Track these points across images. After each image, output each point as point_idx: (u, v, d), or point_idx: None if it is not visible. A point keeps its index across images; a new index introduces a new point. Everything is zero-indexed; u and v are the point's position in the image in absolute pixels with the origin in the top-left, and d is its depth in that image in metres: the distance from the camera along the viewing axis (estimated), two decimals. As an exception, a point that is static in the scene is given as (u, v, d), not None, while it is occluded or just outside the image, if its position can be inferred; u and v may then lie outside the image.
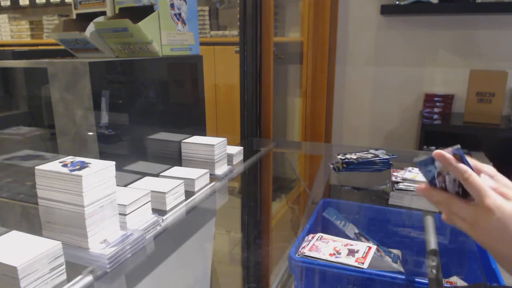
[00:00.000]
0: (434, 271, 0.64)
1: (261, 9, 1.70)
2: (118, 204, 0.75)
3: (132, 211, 0.79)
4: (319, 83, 2.32)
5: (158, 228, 0.84)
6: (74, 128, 0.84)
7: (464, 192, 0.57)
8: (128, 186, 0.93)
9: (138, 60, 0.98)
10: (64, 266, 0.63)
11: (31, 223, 0.86)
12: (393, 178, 1.09)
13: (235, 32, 2.67)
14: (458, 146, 0.56)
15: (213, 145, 1.11)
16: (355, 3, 2.34)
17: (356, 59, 2.42)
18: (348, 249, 0.77)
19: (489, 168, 0.59)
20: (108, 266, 0.67)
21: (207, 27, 2.74)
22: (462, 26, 2.16)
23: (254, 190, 1.37)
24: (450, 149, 0.57)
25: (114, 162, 0.72)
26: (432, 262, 0.65)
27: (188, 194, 1.01)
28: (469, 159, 0.57)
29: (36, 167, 0.69)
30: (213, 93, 2.57)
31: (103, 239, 0.71)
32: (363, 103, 2.46)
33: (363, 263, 0.73)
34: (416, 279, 0.71)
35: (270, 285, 0.87)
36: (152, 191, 0.88)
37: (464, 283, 0.82)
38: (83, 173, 0.66)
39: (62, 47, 1.10)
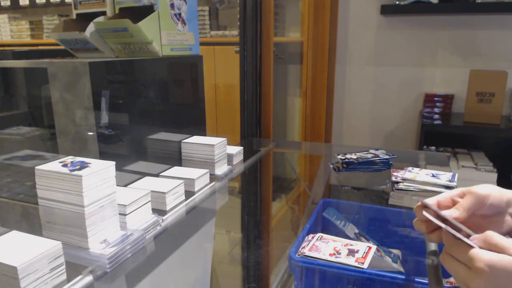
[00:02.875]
0: (434, 271, 0.63)
1: (261, 9, 1.69)
2: (118, 204, 0.75)
3: (132, 211, 0.79)
4: (319, 83, 2.32)
5: (158, 228, 0.84)
6: (74, 128, 0.84)
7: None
8: (128, 186, 0.93)
9: (138, 60, 0.98)
10: (64, 266, 0.63)
11: (31, 223, 0.86)
12: (393, 178, 1.09)
13: (235, 32, 2.67)
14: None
15: (213, 145, 1.11)
16: (355, 3, 2.34)
17: (356, 59, 2.42)
18: (348, 249, 0.77)
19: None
20: (108, 266, 0.67)
21: (207, 27, 2.74)
22: (462, 26, 2.16)
23: (254, 190, 1.37)
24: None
25: (114, 162, 0.72)
26: (432, 262, 0.65)
27: (188, 194, 1.01)
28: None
29: (36, 167, 0.69)
30: (213, 93, 2.57)
31: (103, 239, 0.71)
32: (363, 103, 2.46)
33: (363, 263, 0.73)
34: (416, 279, 0.71)
35: (270, 285, 0.87)
36: (152, 191, 0.88)
37: (464, 283, 0.82)
38: (83, 173, 0.66)
39: (62, 47, 1.10)
